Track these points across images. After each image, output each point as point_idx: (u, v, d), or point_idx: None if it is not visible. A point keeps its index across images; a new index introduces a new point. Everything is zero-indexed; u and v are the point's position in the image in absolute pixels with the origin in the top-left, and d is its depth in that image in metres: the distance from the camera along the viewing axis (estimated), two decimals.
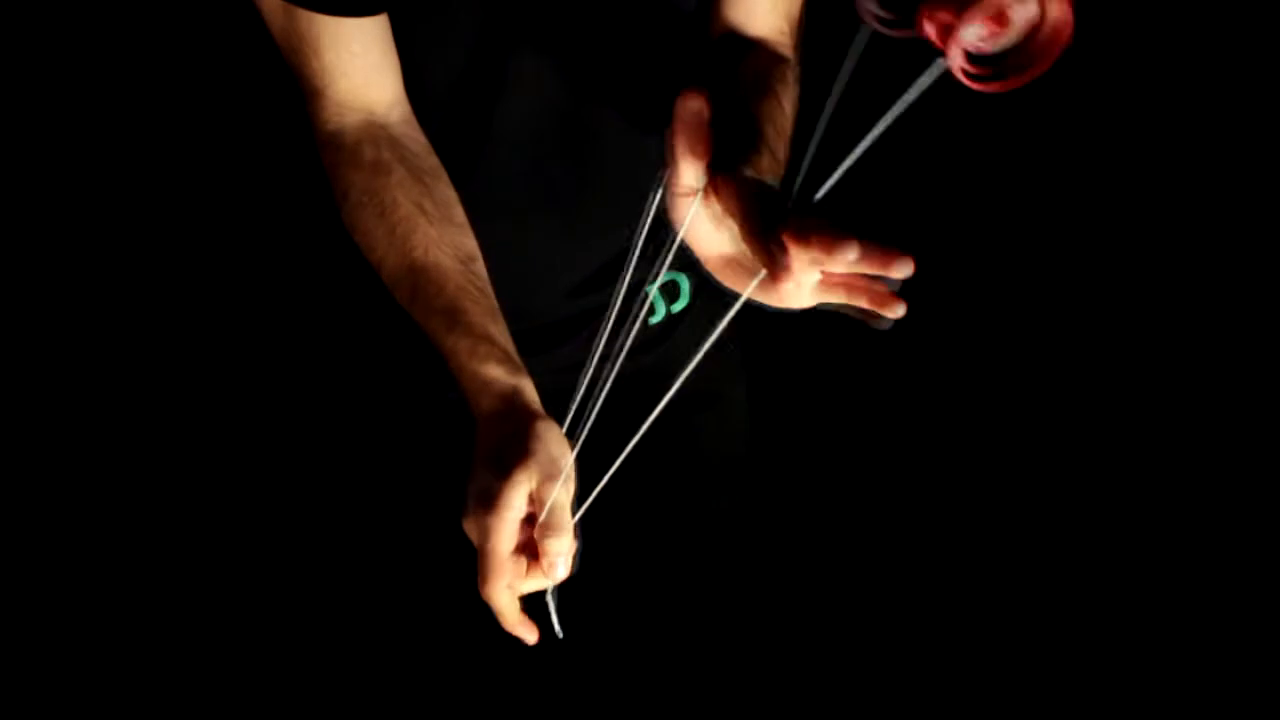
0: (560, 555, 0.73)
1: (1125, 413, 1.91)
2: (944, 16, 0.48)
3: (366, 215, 0.85)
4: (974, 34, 0.49)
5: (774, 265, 0.59)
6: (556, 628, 0.75)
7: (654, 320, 1.03)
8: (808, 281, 0.62)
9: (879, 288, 0.61)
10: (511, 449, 0.75)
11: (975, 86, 0.51)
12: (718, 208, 0.67)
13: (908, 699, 1.67)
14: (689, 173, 0.66)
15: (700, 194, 0.67)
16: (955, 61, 0.50)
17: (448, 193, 0.88)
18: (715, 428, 1.21)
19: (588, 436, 1.15)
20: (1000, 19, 0.49)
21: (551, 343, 1.01)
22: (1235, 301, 1.98)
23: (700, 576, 1.31)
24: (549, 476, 0.74)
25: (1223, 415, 1.89)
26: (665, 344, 1.06)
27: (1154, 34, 2.13)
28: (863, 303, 0.62)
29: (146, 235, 1.99)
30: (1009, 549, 1.80)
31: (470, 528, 0.74)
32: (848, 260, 0.58)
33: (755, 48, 0.88)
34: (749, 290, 0.65)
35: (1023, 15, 0.49)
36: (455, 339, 0.81)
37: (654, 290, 1.01)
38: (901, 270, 0.58)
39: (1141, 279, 2.02)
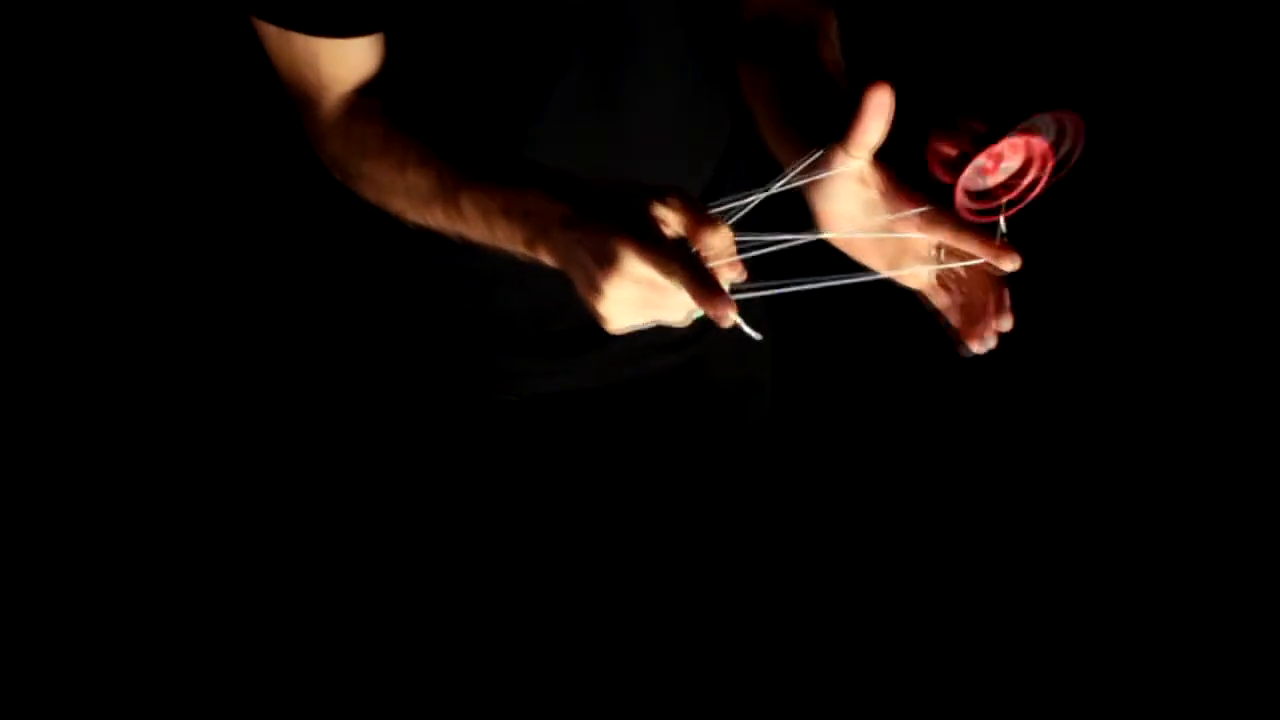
0: (727, 249, 0.67)
1: (1146, 409, 1.91)
2: (946, 152, 0.67)
3: (384, 171, 0.85)
4: (973, 172, 0.67)
5: (998, 256, 0.69)
6: (751, 332, 0.68)
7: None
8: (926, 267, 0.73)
9: (980, 316, 0.74)
10: (612, 193, 0.70)
11: (971, 219, 0.69)
12: (874, 191, 0.71)
13: (923, 689, 1.68)
14: (863, 154, 0.69)
15: (855, 177, 0.72)
16: (958, 196, 0.67)
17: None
18: (750, 411, 1.24)
19: (634, 428, 1.16)
20: (995, 163, 0.68)
21: (603, 338, 1.02)
22: (1235, 301, 1.98)
23: (724, 553, 1.32)
24: (672, 191, 0.68)
25: (1223, 415, 1.88)
26: (705, 337, 1.07)
27: (1154, 34, 2.12)
28: (954, 321, 0.75)
29: (181, 237, 1.99)
30: (1018, 544, 1.80)
31: (608, 271, 0.66)
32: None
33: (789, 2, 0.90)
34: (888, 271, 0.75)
35: (1012, 162, 0.69)
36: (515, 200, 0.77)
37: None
38: (1003, 323, 0.72)
39: (1142, 278, 2.01)
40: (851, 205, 0.72)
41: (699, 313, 0.68)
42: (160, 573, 1.76)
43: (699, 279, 0.63)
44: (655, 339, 1.05)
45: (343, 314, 1.78)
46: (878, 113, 0.66)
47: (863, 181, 0.71)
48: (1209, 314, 1.98)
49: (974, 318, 0.73)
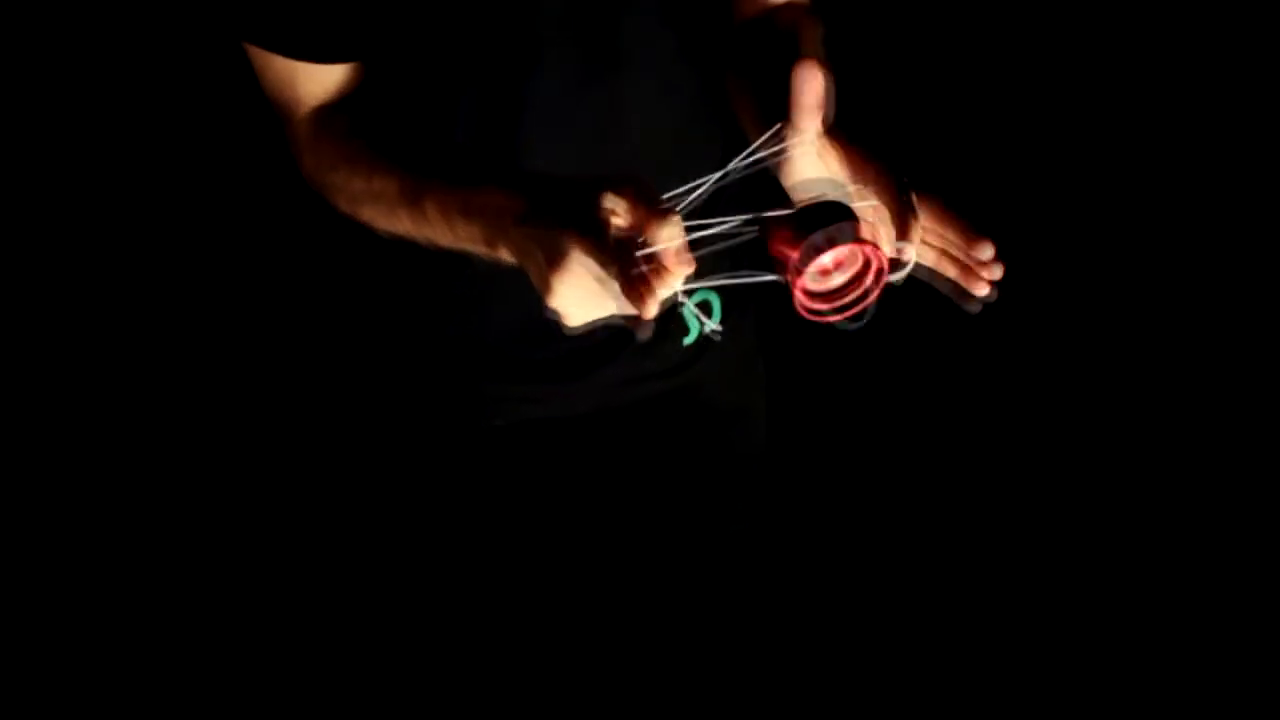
0: (675, 240, 0.66)
1: (1134, 419, 1.90)
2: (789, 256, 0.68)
3: (352, 180, 0.87)
4: (810, 276, 0.68)
5: (906, 234, 0.68)
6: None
7: (687, 340, 1.03)
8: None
9: (972, 264, 0.73)
10: (569, 186, 0.70)
11: (811, 318, 0.69)
12: (834, 164, 0.72)
13: (915, 701, 1.67)
14: (808, 127, 0.70)
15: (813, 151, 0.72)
16: (797, 295, 0.68)
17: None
18: (744, 438, 1.22)
19: (628, 455, 1.15)
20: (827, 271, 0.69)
21: (592, 365, 1.02)
22: (1235, 301, 1.98)
23: (720, 582, 1.31)
24: (625, 183, 0.68)
25: (1223, 415, 1.88)
26: (697, 364, 1.07)
27: (1154, 34, 2.13)
28: (951, 273, 0.73)
29: (184, 247, 1.99)
30: (1015, 552, 1.79)
31: (556, 268, 0.67)
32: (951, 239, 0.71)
33: (781, 8, 0.92)
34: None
35: (850, 268, 0.69)
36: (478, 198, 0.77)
37: (688, 309, 1.01)
38: (982, 251, 0.71)
39: (1142, 280, 2.02)
40: (817, 182, 0.74)
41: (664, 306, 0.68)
42: (140, 591, 1.75)
43: (630, 283, 0.64)
44: (645, 367, 1.05)
45: (328, 337, 1.79)
46: (807, 86, 0.69)
47: (821, 157, 0.72)
48: (1207, 316, 1.98)
49: (966, 268, 0.73)
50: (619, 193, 0.67)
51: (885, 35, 2.12)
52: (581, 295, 0.68)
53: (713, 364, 1.08)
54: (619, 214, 0.67)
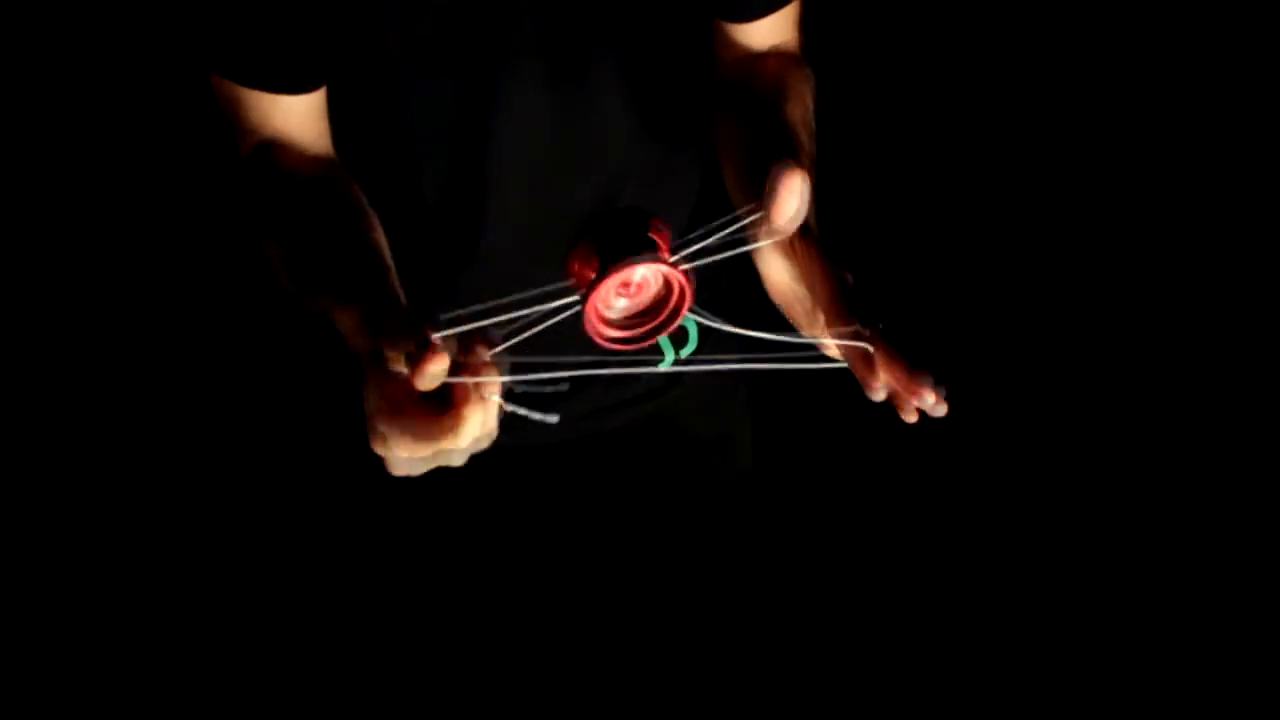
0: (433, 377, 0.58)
1: (1131, 428, 1.89)
2: (586, 275, 0.62)
3: (263, 228, 0.85)
4: (607, 294, 0.62)
5: (867, 377, 0.65)
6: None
7: (662, 366, 1.02)
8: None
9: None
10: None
11: (605, 344, 0.64)
12: (796, 269, 0.69)
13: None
14: (780, 228, 0.66)
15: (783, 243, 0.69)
16: (589, 317, 0.62)
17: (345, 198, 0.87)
18: (725, 466, 1.22)
19: (600, 484, 1.15)
20: (627, 288, 0.63)
21: (565, 393, 1.01)
22: (1235, 301, 1.98)
23: (712, 609, 1.30)
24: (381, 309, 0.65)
25: (1223, 415, 1.88)
26: (672, 390, 1.07)
27: (1154, 34, 2.14)
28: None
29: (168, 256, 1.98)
30: (1010, 567, 1.78)
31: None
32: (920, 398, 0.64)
33: (767, 56, 0.90)
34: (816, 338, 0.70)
35: (648, 291, 0.64)
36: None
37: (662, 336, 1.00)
38: (923, 399, 0.64)
39: (1142, 280, 2.01)
40: (782, 273, 0.71)
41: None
42: (127, 602, 1.74)
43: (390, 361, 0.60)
44: (617, 394, 1.05)
45: (307, 350, 1.78)
46: (786, 194, 0.65)
47: (789, 252, 0.69)
48: (1208, 315, 1.97)
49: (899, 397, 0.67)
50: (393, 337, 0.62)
51: (884, 35, 2.12)
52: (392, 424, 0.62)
53: (689, 392, 1.08)
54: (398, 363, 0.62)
